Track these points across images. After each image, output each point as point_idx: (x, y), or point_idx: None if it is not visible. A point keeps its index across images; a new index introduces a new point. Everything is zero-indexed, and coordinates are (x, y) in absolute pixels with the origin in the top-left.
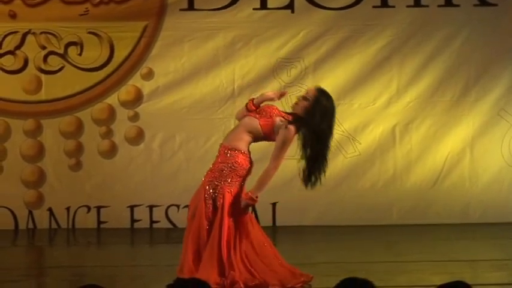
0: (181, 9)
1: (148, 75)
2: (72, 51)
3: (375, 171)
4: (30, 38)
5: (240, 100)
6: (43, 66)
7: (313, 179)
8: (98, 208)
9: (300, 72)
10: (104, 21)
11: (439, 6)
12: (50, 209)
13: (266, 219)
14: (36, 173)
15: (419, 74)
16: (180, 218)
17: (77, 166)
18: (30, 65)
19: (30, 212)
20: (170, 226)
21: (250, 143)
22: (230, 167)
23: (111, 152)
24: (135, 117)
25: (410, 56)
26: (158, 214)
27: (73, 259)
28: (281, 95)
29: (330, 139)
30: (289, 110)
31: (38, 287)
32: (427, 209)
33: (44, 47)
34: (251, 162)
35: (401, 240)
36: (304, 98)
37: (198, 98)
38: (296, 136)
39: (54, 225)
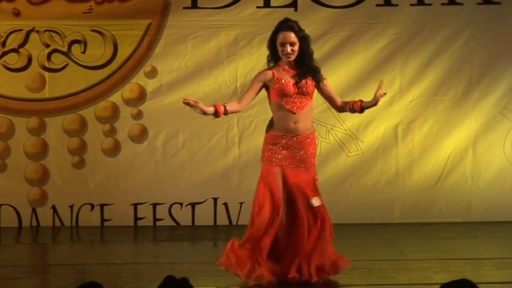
0: (184, 8)
1: (152, 73)
2: (76, 49)
3: (377, 169)
4: (33, 36)
5: None
6: (47, 64)
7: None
8: (102, 206)
9: None
10: (107, 19)
11: (442, 4)
12: (53, 207)
13: None
14: (39, 170)
15: (422, 72)
16: (184, 216)
17: (81, 164)
18: (34, 63)
19: (34, 210)
20: (173, 224)
21: None
22: None
23: (115, 149)
24: (138, 115)
25: (413, 55)
26: (162, 212)
27: (76, 257)
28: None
29: None
30: None
31: (42, 284)
32: (430, 208)
33: (47, 45)
34: None
35: (404, 238)
36: (292, 43)
37: (201, 96)
38: None
39: (57, 223)
